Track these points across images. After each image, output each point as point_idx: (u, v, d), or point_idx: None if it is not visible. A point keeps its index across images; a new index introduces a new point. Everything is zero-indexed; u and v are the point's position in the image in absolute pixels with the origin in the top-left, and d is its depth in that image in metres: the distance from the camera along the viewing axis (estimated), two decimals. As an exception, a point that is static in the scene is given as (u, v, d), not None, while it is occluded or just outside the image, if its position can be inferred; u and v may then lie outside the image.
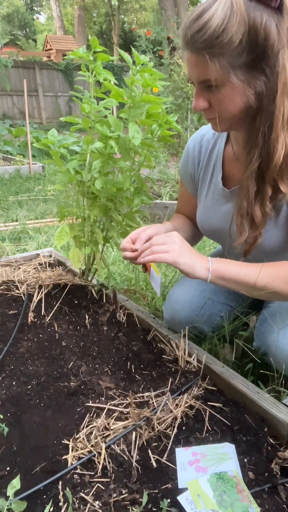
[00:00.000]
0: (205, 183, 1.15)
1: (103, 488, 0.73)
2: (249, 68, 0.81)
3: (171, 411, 0.89)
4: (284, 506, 0.71)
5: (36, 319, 1.27)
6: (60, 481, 0.73)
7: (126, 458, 0.79)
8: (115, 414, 0.89)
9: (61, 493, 0.71)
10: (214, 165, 1.11)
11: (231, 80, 0.82)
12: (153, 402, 0.93)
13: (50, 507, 0.68)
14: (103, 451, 0.78)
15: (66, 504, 0.69)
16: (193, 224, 1.29)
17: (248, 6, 0.77)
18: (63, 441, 0.82)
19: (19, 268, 1.60)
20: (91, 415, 0.90)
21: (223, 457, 0.77)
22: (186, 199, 1.28)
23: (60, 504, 0.69)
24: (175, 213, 1.35)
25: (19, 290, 1.41)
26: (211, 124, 0.96)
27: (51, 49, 16.03)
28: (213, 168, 1.12)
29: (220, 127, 0.93)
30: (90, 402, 0.94)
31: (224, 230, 1.09)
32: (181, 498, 0.69)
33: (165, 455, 0.80)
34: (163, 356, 1.11)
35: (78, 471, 0.76)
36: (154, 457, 0.79)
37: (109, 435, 0.83)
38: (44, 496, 0.71)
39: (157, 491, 0.73)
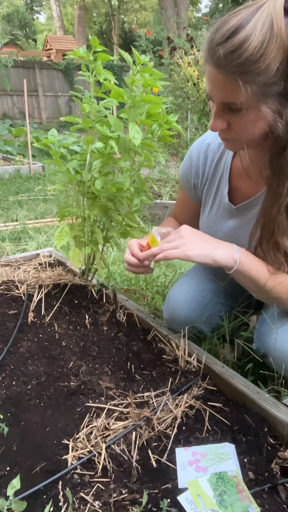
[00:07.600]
0: (210, 195, 1.13)
1: (103, 488, 0.73)
2: (282, 97, 0.74)
3: (171, 411, 0.89)
4: (284, 506, 0.71)
5: (36, 319, 1.27)
6: (60, 481, 0.73)
7: (126, 458, 0.79)
8: (115, 414, 0.89)
9: (61, 493, 0.71)
10: (220, 177, 1.08)
11: (261, 108, 0.75)
12: (153, 402, 0.93)
13: (50, 507, 0.68)
14: (103, 451, 0.78)
15: (66, 504, 0.69)
16: None
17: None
18: (63, 441, 0.82)
19: (19, 268, 1.60)
20: (91, 415, 0.90)
21: (223, 457, 0.77)
22: (184, 205, 1.26)
23: (60, 504, 0.69)
24: (169, 217, 1.32)
25: (19, 290, 1.41)
26: (225, 143, 0.89)
27: (51, 49, 16.03)
28: (219, 181, 1.09)
29: (235, 147, 0.88)
30: (90, 402, 0.94)
31: None
32: (181, 498, 0.69)
33: (165, 455, 0.80)
34: (163, 356, 1.11)
35: (78, 471, 0.76)
36: (154, 457, 0.79)
37: (109, 435, 0.83)
38: (44, 496, 0.71)
39: (157, 491, 0.73)
